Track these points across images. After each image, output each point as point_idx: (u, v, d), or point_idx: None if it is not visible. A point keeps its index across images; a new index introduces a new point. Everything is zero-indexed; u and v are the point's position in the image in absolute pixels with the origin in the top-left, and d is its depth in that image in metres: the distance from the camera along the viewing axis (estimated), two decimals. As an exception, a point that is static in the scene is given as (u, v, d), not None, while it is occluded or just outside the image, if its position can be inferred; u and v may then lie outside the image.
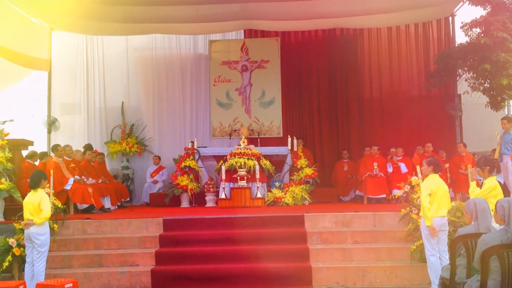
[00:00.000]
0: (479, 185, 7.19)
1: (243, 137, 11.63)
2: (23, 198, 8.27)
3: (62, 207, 8.18)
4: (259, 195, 10.51)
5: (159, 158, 13.29)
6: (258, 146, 12.03)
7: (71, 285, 5.88)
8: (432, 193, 6.42)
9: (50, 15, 12.06)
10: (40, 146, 11.82)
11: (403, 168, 11.09)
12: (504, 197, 5.86)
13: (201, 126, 13.97)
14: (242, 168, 10.66)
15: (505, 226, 4.48)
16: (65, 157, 10.10)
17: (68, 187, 9.49)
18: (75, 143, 12.32)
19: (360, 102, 13.70)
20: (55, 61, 13.56)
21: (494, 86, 10.87)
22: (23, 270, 6.99)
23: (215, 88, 13.92)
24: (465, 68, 11.78)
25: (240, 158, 10.80)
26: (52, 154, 10.24)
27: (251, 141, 12.26)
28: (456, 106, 12.80)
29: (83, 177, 10.23)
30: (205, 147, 12.62)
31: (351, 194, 12.04)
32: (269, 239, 7.87)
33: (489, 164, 6.45)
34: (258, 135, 13.17)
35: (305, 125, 13.82)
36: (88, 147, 11.83)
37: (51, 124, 13.13)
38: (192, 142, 12.05)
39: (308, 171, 11.23)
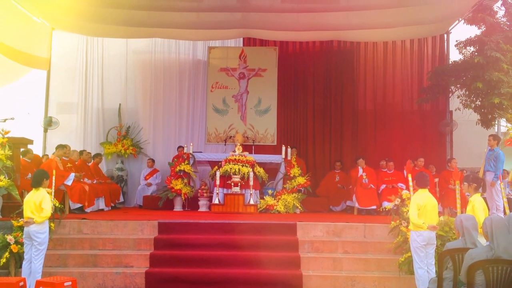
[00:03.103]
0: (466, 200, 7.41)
1: (238, 144, 11.81)
2: (20, 196, 8.45)
3: (59, 206, 8.29)
4: (252, 202, 10.68)
5: (153, 161, 13.43)
6: (252, 153, 12.19)
7: (70, 283, 6.02)
8: (421, 208, 6.64)
9: (52, 15, 12.16)
10: (36, 144, 11.92)
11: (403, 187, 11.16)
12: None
13: (196, 131, 14.13)
14: (236, 175, 10.84)
15: (490, 243, 4.69)
16: (62, 157, 10.23)
17: (69, 182, 9.64)
18: (72, 142, 12.46)
19: (354, 114, 13.91)
20: (55, 61, 13.68)
21: (486, 104, 11.16)
22: (20, 267, 7.11)
23: (212, 94, 14.10)
24: (458, 85, 12.05)
25: (234, 164, 10.98)
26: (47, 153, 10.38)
27: (246, 148, 12.42)
28: (448, 123, 13.04)
29: (82, 174, 10.44)
30: (200, 152, 12.78)
31: (342, 205, 12.20)
32: (262, 245, 8.04)
33: (476, 182, 6.70)
34: (253, 142, 13.34)
35: (299, 134, 14.01)
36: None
37: (48, 123, 13.21)
38: (182, 147, 12.37)
39: (301, 180, 11.42)
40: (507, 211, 8.01)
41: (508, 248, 4.65)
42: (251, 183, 10.75)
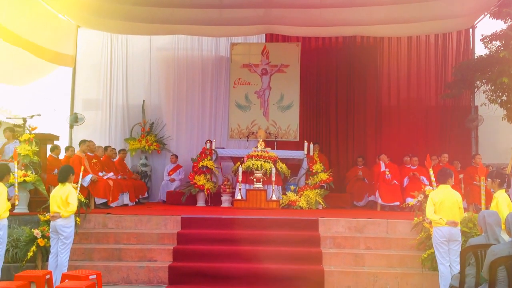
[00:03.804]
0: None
1: (260, 140, 11.85)
2: (47, 191, 8.62)
3: (85, 201, 8.44)
4: (274, 198, 10.73)
5: (177, 157, 13.54)
6: (274, 149, 12.23)
7: (94, 276, 6.12)
8: (437, 204, 6.60)
9: (77, 13, 12.34)
10: (62, 140, 12.13)
11: (424, 181, 11.09)
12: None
13: (219, 127, 14.23)
14: (258, 170, 10.88)
15: (512, 239, 4.65)
16: (88, 153, 10.41)
17: (85, 183, 9.77)
18: (96, 138, 12.67)
19: (378, 109, 13.83)
20: (80, 58, 13.89)
21: (512, 100, 11.00)
22: (47, 261, 7.27)
23: (235, 90, 14.17)
24: (483, 80, 11.88)
25: (257, 160, 11.02)
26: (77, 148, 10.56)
27: (268, 144, 12.43)
28: (474, 118, 12.85)
29: (104, 172, 10.57)
30: (223, 148, 12.87)
31: (365, 199, 12.14)
32: (284, 241, 8.06)
33: (500, 177, 6.60)
34: (275, 138, 13.37)
35: (321, 130, 14.00)
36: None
37: (74, 120, 13.40)
38: (210, 141, 12.28)
39: (323, 176, 11.42)
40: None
41: (531, 245, 4.60)
42: (274, 179, 10.78)
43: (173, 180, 13.11)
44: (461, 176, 11.24)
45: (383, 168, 11.55)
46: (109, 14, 12.00)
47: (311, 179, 11.47)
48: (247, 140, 13.44)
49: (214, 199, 11.63)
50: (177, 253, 7.90)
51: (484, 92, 11.87)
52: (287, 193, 11.12)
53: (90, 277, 6.08)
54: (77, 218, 7.95)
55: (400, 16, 11.65)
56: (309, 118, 14.08)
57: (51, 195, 7.10)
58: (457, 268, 6.53)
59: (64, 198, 6.84)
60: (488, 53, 11.77)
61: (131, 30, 13.35)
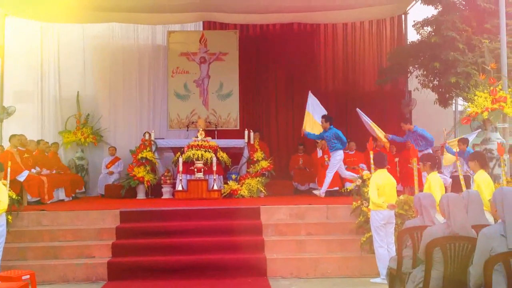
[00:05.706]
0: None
1: (201, 129, 11.71)
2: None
3: (16, 198, 8.07)
4: (215, 187, 10.65)
5: (115, 149, 13.17)
6: (215, 138, 12.13)
7: (28, 276, 5.87)
8: (380, 188, 6.74)
9: (3, 0, 11.73)
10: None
11: (364, 168, 11.29)
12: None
13: (158, 118, 13.97)
14: (199, 160, 10.76)
15: (447, 220, 4.76)
16: (19, 147, 9.95)
17: (21, 178, 9.38)
18: (29, 132, 12.04)
19: (316, 96, 13.91)
20: (8, 48, 13.18)
21: (443, 84, 11.36)
22: (-24, 262, 6.92)
23: (173, 80, 13.93)
24: (416, 66, 12.20)
25: (197, 150, 10.90)
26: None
27: (208, 133, 12.33)
28: (408, 102, 13.19)
29: (37, 168, 10.14)
30: (162, 138, 12.65)
31: (305, 187, 12.28)
32: (226, 230, 8.03)
33: (430, 159, 6.80)
34: (215, 127, 13.26)
35: (262, 118, 14.02)
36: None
37: (5, 115, 12.76)
38: (149, 133, 12.04)
39: (264, 164, 11.43)
40: (464, 188, 8.15)
41: (465, 225, 4.73)
42: (215, 168, 10.70)
43: (111, 173, 12.74)
44: (397, 159, 11.54)
45: (320, 154, 11.67)
46: (38, 1, 11.43)
47: (252, 167, 11.46)
48: (187, 130, 13.25)
49: (154, 191, 11.41)
50: (116, 248, 7.71)
51: (416, 77, 12.21)
52: (228, 182, 11.06)
53: (23, 277, 5.83)
54: (9, 216, 7.61)
55: (335, 3, 11.76)
56: (249, 106, 14.07)
57: (-21, 193, 6.73)
58: (393, 250, 6.72)
59: (-7, 196, 6.51)
60: (420, 38, 12.09)
61: (62, 18, 12.75)
